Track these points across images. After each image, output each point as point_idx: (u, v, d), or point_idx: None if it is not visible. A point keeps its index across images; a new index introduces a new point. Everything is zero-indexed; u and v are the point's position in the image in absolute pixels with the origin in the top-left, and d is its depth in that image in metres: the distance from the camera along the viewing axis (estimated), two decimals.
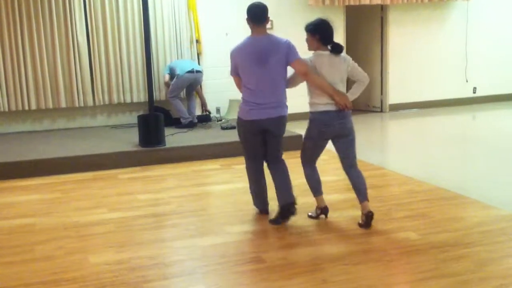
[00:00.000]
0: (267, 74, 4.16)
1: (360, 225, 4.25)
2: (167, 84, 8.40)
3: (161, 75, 8.65)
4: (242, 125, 4.39)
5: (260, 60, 4.13)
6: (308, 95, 4.27)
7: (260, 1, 4.32)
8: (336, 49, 4.22)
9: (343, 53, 4.28)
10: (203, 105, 8.81)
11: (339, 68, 4.23)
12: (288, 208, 4.28)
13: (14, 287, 3.41)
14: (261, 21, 4.22)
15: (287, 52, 4.17)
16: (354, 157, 4.37)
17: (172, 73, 8.31)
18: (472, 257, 3.61)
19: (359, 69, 4.38)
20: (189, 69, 8.19)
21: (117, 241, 4.14)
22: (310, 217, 4.48)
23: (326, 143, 4.34)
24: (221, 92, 9.00)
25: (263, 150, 4.43)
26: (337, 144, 4.32)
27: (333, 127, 4.20)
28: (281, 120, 4.30)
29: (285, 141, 4.59)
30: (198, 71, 8.29)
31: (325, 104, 4.17)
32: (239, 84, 4.36)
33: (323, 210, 4.44)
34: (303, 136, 4.45)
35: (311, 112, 4.25)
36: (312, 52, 4.26)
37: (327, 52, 4.22)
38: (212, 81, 9.00)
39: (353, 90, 4.40)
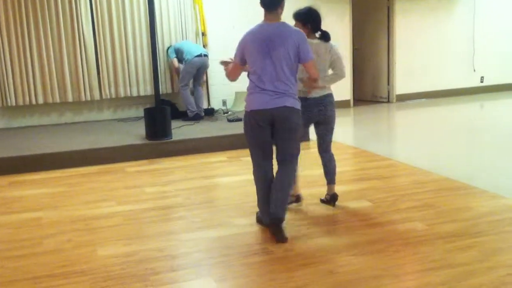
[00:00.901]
0: (273, 64, 3.86)
1: (322, 201, 4.62)
2: (177, 71, 8.35)
3: (168, 68, 8.63)
4: (246, 117, 4.08)
5: (266, 47, 3.84)
6: None
7: None
8: (326, 37, 4.28)
9: (331, 41, 4.31)
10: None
11: (323, 58, 4.27)
12: (275, 222, 4.03)
13: (23, 280, 3.43)
14: (272, 7, 3.86)
15: (301, 45, 3.83)
16: (330, 142, 4.54)
17: (179, 57, 8.26)
18: (479, 247, 3.60)
19: (342, 63, 4.35)
20: (198, 53, 8.16)
21: (125, 234, 4.16)
22: (323, 201, 4.62)
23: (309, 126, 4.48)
24: (227, 84, 8.89)
25: (270, 149, 4.11)
26: (317, 129, 4.49)
27: (311, 113, 4.31)
28: (287, 111, 3.92)
29: None
30: (205, 55, 8.29)
31: (301, 91, 4.23)
32: (234, 71, 4.10)
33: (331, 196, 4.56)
34: None
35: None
36: None
37: (316, 40, 4.26)
38: (218, 73, 8.97)
39: (328, 78, 4.37)
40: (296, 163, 4.12)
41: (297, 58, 3.87)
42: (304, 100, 4.23)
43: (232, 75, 4.16)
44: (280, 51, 3.82)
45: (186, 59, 8.10)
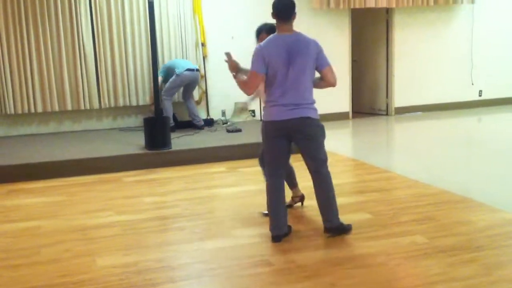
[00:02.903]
0: (290, 74, 3.90)
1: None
2: (160, 88, 8.29)
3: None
4: (264, 126, 4.08)
5: (286, 59, 3.89)
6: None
7: None
8: None
9: None
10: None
11: None
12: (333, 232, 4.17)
13: None
14: (286, 17, 3.93)
15: (318, 54, 3.94)
16: None
17: (166, 75, 8.17)
18: (480, 261, 3.59)
19: None
20: (188, 67, 8.14)
21: (124, 244, 4.14)
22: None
23: None
24: (226, 95, 9.00)
25: (285, 160, 4.16)
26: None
27: None
28: (306, 122, 3.95)
29: None
30: (197, 70, 8.29)
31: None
32: (254, 82, 3.97)
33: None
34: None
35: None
36: None
37: None
38: (218, 84, 9.00)
39: None
40: (328, 171, 4.12)
41: (314, 67, 3.98)
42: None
43: (251, 87, 4.03)
44: (301, 61, 3.90)
45: (177, 72, 8.05)
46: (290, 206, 4.74)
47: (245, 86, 4.05)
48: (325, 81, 4.03)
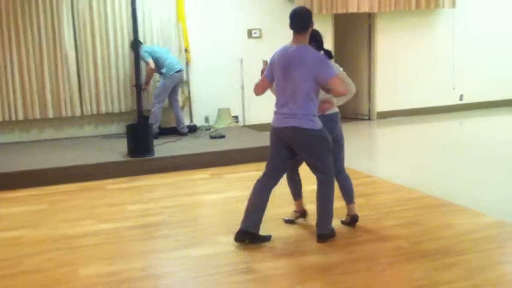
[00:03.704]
0: (288, 86, 3.99)
1: (342, 222, 4.50)
2: (151, 72, 8.08)
3: (150, 84, 8.52)
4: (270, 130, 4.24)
5: (283, 70, 3.99)
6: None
7: (302, 7, 4.19)
8: (329, 55, 4.34)
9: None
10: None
11: None
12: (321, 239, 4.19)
13: None
14: (298, 29, 3.99)
15: (318, 67, 3.93)
16: (343, 160, 4.56)
17: (158, 64, 7.98)
18: (463, 265, 3.62)
19: (348, 79, 4.47)
20: (178, 68, 8.08)
21: (107, 253, 4.10)
22: (343, 222, 4.52)
23: None
24: (209, 101, 8.98)
25: (278, 169, 4.21)
26: None
27: None
28: (298, 131, 3.99)
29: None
30: (182, 70, 8.27)
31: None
32: (261, 86, 4.24)
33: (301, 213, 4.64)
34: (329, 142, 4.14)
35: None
36: None
37: None
38: (201, 89, 8.98)
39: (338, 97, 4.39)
40: (329, 181, 4.14)
41: (313, 80, 3.95)
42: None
43: (257, 90, 4.29)
44: (300, 70, 3.95)
45: (166, 73, 7.96)
46: (292, 221, 4.59)
47: (255, 87, 4.29)
48: (333, 91, 4.01)
